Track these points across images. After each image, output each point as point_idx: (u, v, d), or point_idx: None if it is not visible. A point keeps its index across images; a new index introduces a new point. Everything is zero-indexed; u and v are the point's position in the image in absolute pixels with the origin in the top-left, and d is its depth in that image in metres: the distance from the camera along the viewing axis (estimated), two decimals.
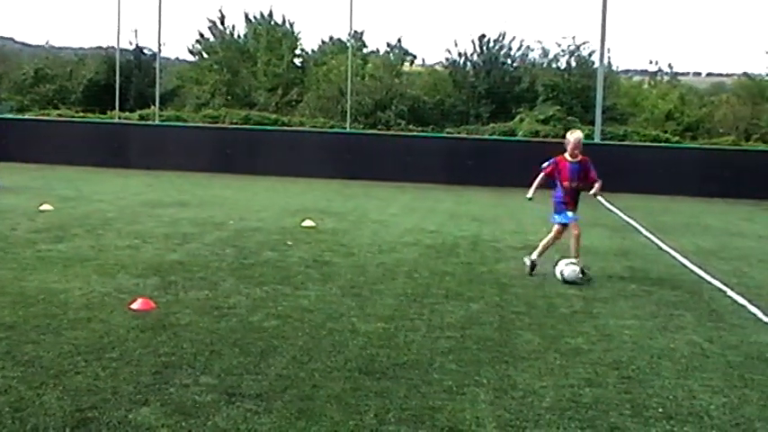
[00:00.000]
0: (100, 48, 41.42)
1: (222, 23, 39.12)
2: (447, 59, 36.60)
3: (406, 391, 5.84)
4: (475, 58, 35.74)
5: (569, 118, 30.58)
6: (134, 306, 7.84)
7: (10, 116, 32.52)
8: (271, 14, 39.30)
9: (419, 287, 9.48)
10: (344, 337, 7.17)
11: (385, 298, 8.83)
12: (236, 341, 6.89)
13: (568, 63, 35.31)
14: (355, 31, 36.01)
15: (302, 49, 40.11)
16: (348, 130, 28.61)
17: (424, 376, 6.18)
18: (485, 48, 35.50)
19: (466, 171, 24.63)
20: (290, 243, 12.11)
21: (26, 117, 31.28)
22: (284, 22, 39.20)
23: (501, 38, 35.54)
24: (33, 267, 9.58)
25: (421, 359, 6.63)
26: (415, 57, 40.83)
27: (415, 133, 29.69)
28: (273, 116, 32.11)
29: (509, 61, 36.00)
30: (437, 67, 39.10)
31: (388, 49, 39.72)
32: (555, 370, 6.52)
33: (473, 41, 35.91)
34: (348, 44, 32.32)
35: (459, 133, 30.13)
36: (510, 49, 35.81)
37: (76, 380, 5.77)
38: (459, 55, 35.94)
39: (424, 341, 7.17)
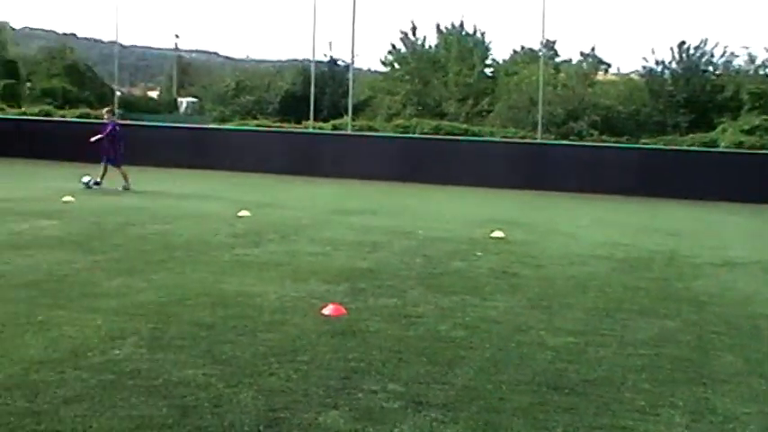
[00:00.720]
0: (296, 60, 43.06)
1: (414, 34, 39.67)
2: (643, 68, 35.53)
3: (596, 408, 5.65)
4: (673, 65, 34.50)
5: None
6: (325, 311, 8.01)
7: (213, 126, 34.25)
8: (462, 25, 39.50)
9: (610, 302, 9.19)
10: (532, 350, 7.04)
11: (575, 312, 8.62)
12: (424, 350, 6.91)
13: None
14: (547, 40, 35.56)
15: (493, 59, 40.08)
16: (539, 140, 28.26)
17: (614, 394, 5.97)
18: (684, 55, 34.19)
19: (662, 183, 23.78)
20: (479, 254, 12.06)
21: (227, 127, 32.81)
22: (475, 32, 39.31)
23: (702, 44, 34.16)
24: (232, 270, 9.99)
25: (612, 376, 6.40)
26: (609, 65, 39.93)
27: (608, 144, 28.94)
28: (464, 126, 32.18)
29: (711, 68, 34.50)
30: (632, 76, 38.00)
31: (581, 58, 39.05)
32: (760, 396, 6.12)
33: (672, 49, 34.72)
34: (540, 53, 31.94)
35: (655, 144, 29.12)
36: (712, 55, 34.34)
37: (270, 380, 5.95)
38: (657, 63, 34.81)
39: (615, 358, 6.93)
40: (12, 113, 34.64)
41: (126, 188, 19.21)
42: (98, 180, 19.35)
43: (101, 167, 19.60)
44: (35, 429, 4.92)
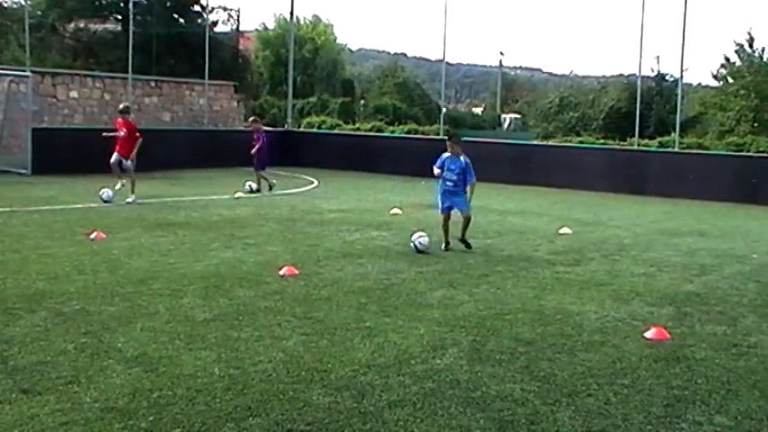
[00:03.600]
0: (621, 75, 42.19)
1: (750, 46, 37.35)
2: None
3: None
4: None
5: None
6: (648, 335, 7.73)
7: (535, 142, 34.39)
8: None
9: None
10: None
11: None
12: (756, 383, 6.44)
13: None
14: None
15: None
16: None
17: None
18: None
19: None
20: None
21: (550, 143, 32.79)
22: None
23: None
24: (552, 287, 9.94)
25: None
26: None
27: None
28: None
29: None
30: None
31: None
32: None
33: None
34: None
35: None
36: None
37: (588, 401, 5.84)
38: None
39: None
40: (347, 128, 37.03)
41: (257, 190, 20.54)
42: (257, 187, 20.67)
43: (258, 175, 20.84)
44: (361, 429, 5.20)
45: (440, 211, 12.67)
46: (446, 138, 13.01)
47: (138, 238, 12.59)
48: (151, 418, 5.24)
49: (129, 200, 17.25)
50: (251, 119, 22.79)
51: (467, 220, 12.52)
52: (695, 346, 7.49)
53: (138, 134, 17.92)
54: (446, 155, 12.53)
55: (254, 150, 20.84)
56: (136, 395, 5.64)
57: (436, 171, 12.54)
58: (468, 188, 12.53)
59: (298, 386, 5.93)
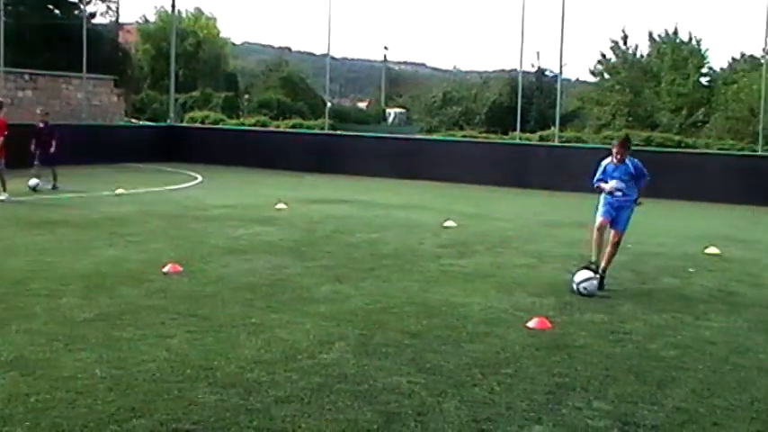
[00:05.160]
0: (503, 70, 43.03)
1: (625, 43, 38.71)
2: None
3: None
4: None
5: None
6: (530, 324, 7.92)
7: (420, 136, 34.74)
8: (676, 32, 38.17)
9: None
10: (751, 375, 6.64)
11: None
12: (632, 368, 6.68)
13: None
14: None
15: (710, 68, 38.40)
16: (760, 152, 26.74)
17: None
18: None
19: None
20: (691, 270, 11.55)
21: (434, 137, 33.18)
22: (690, 39, 37.82)
23: None
24: (437, 280, 10.07)
25: None
26: None
27: None
28: (677, 137, 30.96)
29: None
30: None
31: None
32: None
33: None
34: (762, 60, 30.25)
35: None
36: None
37: (474, 391, 5.94)
38: None
39: None
40: (231, 123, 36.60)
41: (55, 187, 19.15)
42: (45, 183, 19.11)
43: (40, 170, 19.25)
44: (248, 426, 5.15)
45: (600, 216, 10.35)
46: (617, 143, 10.47)
47: (12, 238, 12.15)
48: (28, 423, 5.06)
49: (2, 198, 16.63)
50: (41, 111, 21.06)
51: (615, 246, 10.27)
52: (575, 334, 7.71)
53: (4, 130, 16.94)
54: (606, 162, 10.37)
55: (53, 148, 19.34)
56: (11, 400, 5.44)
57: (605, 186, 10.25)
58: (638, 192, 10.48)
59: (183, 385, 5.83)
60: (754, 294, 10.06)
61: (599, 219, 10.35)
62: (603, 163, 10.43)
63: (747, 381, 6.47)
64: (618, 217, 10.30)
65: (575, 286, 9.59)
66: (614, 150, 10.32)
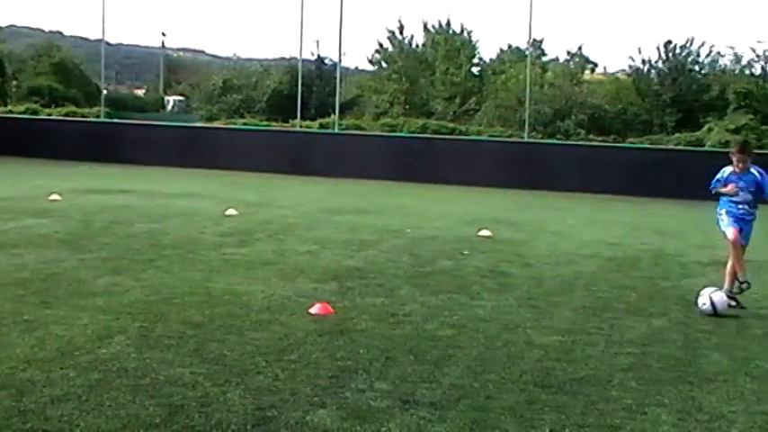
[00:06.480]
0: (283, 58, 42.98)
1: (401, 33, 39.63)
2: (630, 67, 35.53)
3: (584, 407, 5.68)
4: (660, 65, 34.53)
5: (763, 127, 29.01)
6: (313, 310, 8.02)
7: (200, 124, 34.16)
8: (449, 24, 39.47)
9: (598, 301, 9.22)
10: (520, 349, 7.06)
11: (562, 310, 8.64)
12: (411, 349, 6.92)
13: (764, 69, 33.44)
14: (534, 39, 35.51)
15: (480, 58, 40.05)
16: (526, 139, 28.31)
17: (602, 393, 5.99)
18: (671, 54, 34.25)
19: (649, 182, 23.81)
20: (466, 252, 12.08)
21: (214, 126, 32.73)
22: (462, 30, 39.27)
23: (689, 44, 34.20)
24: (219, 269, 9.98)
25: (599, 375, 6.43)
26: (596, 65, 40.06)
27: (595, 143, 29.01)
28: (451, 125, 32.20)
29: (697, 68, 34.58)
30: (619, 75, 38.08)
31: (568, 58, 39.08)
32: (746, 394, 6.16)
33: (658, 48, 34.64)
34: (527, 52, 31.98)
35: (642, 143, 29.19)
36: (698, 55, 34.34)
37: (258, 379, 5.95)
38: (643, 62, 34.79)
39: (602, 356, 6.96)
40: None
41: None
42: None
43: None
44: (21, 429, 4.91)
45: (730, 226, 9.24)
46: (735, 150, 9.30)
47: None
48: None
49: None
50: None
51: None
52: (357, 318, 7.88)
53: None
54: (728, 170, 9.30)
55: None
56: None
57: (725, 189, 9.25)
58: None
59: None
60: (522, 273, 10.67)
61: (731, 230, 9.22)
62: (726, 170, 9.34)
63: (516, 355, 6.87)
64: (742, 230, 9.28)
65: (705, 306, 8.74)
66: (734, 159, 9.22)
